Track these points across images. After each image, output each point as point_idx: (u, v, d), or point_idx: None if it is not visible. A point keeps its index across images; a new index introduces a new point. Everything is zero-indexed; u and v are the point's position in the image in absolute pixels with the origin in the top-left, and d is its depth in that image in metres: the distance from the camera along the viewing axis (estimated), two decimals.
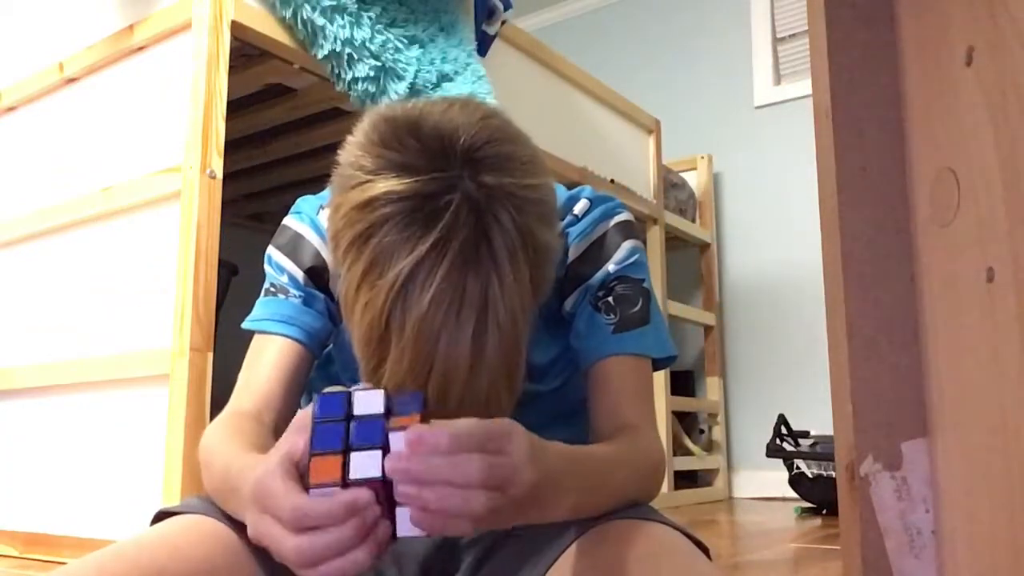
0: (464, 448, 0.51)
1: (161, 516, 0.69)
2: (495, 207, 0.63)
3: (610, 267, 0.81)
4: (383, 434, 0.52)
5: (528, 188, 0.65)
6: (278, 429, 0.77)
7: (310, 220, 0.84)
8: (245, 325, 0.82)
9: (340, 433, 0.53)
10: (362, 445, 0.52)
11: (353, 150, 0.66)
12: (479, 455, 0.51)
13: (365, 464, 0.51)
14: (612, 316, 0.79)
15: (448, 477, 0.50)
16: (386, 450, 0.52)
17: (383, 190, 0.62)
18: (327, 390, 0.56)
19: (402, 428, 0.52)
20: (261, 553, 0.64)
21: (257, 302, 0.83)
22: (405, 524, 0.51)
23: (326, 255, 0.82)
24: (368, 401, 0.55)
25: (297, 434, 0.56)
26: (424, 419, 0.54)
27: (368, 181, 0.63)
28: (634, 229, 0.85)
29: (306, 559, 0.50)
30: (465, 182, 0.62)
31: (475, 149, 0.64)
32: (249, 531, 0.56)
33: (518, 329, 0.65)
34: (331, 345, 0.86)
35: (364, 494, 0.50)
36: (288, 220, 0.85)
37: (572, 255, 0.82)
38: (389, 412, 0.54)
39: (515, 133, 0.68)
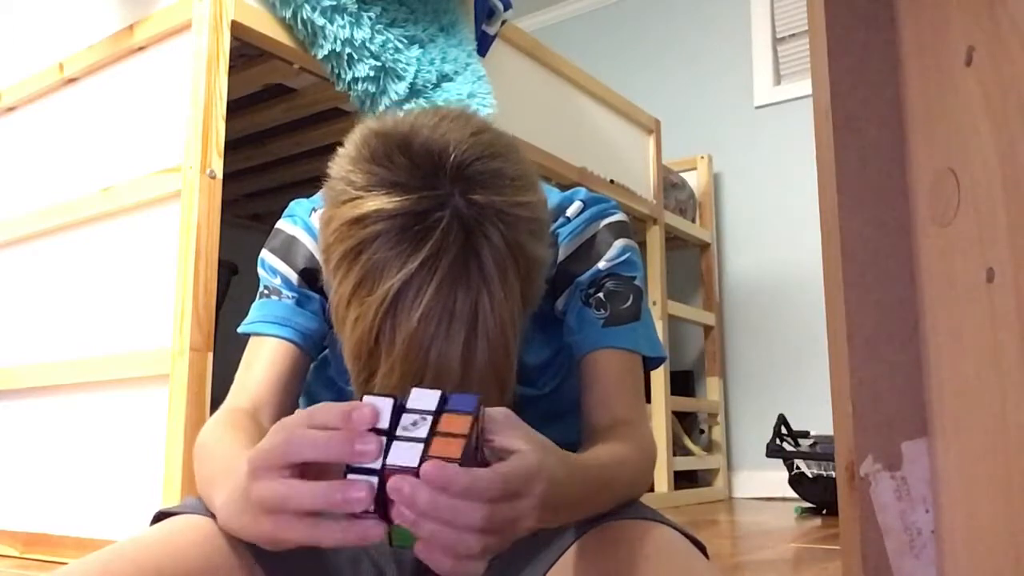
0: (475, 498, 0.48)
1: (161, 516, 0.69)
2: (485, 225, 0.63)
3: (601, 265, 0.81)
4: (429, 429, 0.51)
5: (518, 205, 0.65)
6: None
7: (303, 223, 0.84)
8: (240, 329, 0.83)
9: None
10: (405, 436, 0.50)
11: (344, 164, 0.66)
12: (484, 505, 0.49)
13: (404, 454, 0.50)
14: (602, 311, 0.80)
15: (448, 519, 0.48)
16: (428, 444, 0.50)
17: (373, 208, 0.62)
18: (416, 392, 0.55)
19: (449, 434, 0.50)
20: (259, 552, 0.64)
21: (252, 305, 0.84)
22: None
23: (320, 256, 0.82)
24: (424, 398, 0.53)
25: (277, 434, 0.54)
26: (475, 423, 0.52)
27: (359, 197, 0.63)
28: (627, 229, 0.85)
29: (285, 455, 0.50)
30: (455, 199, 0.62)
31: (465, 166, 0.64)
32: (253, 502, 0.54)
33: (508, 343, 0.65)
34: (327, 349, 0.86)
35: (362, 407, 0.50)
36: (281, 223, 0.86)
37: (562, 254, 0.82)
38: (441, 412, 0.52)
39: (506, 147, 0.68)
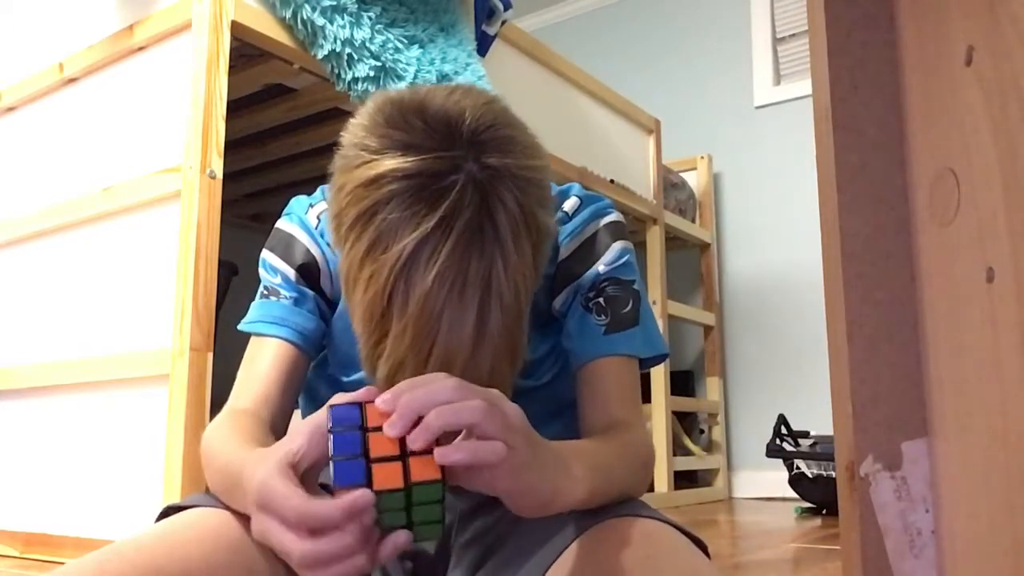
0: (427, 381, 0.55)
1: (169, 511, 0.69)
2: (499, 188, 0.63)
3: (600, 268, 0.81)
4: (362, 443, 0.53)
5: (530, 169, 0.66)
6: (275, 427, 0.78)
7: (299, 220, 0.85)
8: (240, 327, 0.84)
9: (358, 439, 0.54)
10: (342, 455, 0.53)
11: (357, 131, 0.67)
12: (448, 379, 0.55)
13: (350, 471, 0.52)
14: (603, 317, 0.80)
15: (428, 399, 0.53)
16: (367, 457, 0.53)
17: (389, 167, 0.63)
18: (336, 400, 0.57)
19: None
20: (262, 550, 0.64)
21: (252, 304, 0.84)
22: (342, 474, 0.52)
23: (316, 252, 0.83)
24: (345, 414, 0.55)
25: (296, 437, 0.56)
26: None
27: (374, 160, 0.64)
28: (624, 230, 0.85)
29: (313, 563, 0.51)
30: (470, 163, 0.63)
31: (480, 131, 0.64)
32: (253, 530, 0.56)
33: (521, 308, 0.66)
34: (325, 349, 0.87)
35: (364, 496, 0.51)
36: (279, 223, 0.87)
37: (563, 253, 0.82)
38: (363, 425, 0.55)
39: (516, 119, 0.70)
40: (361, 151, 0.65)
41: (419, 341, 0.63)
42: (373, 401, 0.55)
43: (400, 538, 0.53)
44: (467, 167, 0.63)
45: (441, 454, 0.52)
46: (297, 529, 0.52)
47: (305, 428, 0.57)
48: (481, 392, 0.55)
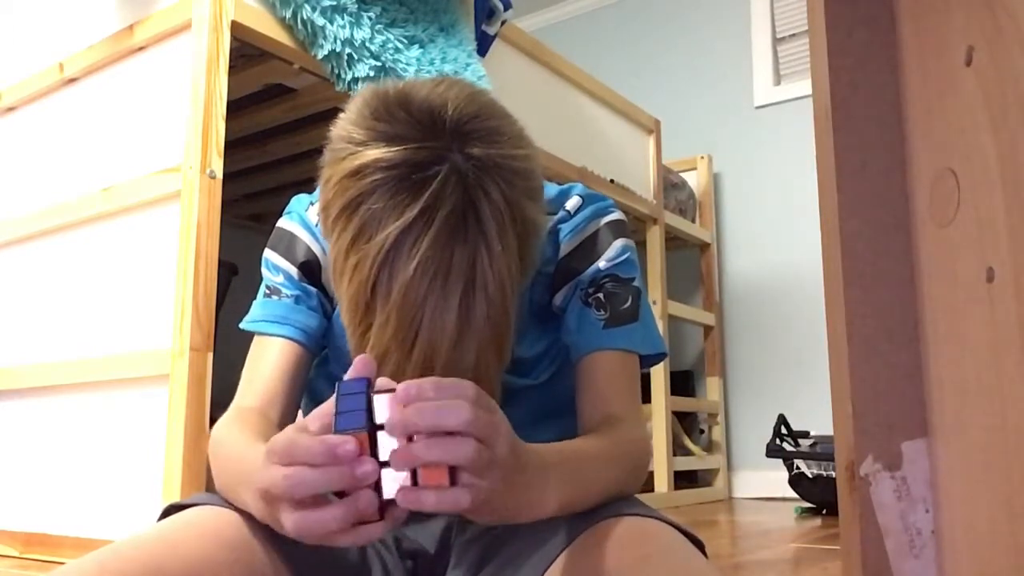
0: (450, 395, 0.51)
1: (171, 510, 0.69)
2: (483, 179, 0.64)
3: (601, 264, 0.82)
4: (366, 401, 0.52)
5: (515, 159, 0.66)
6: (282, 425, 0.78)
7: (299, 218, 0.86)
8: (242, 325, 0.84)
9: (362, 399, 0.53)
10: (346, 410, 0.52)
11: (344, 124, 0.68)
12: (465, 401, 0.51)
13: (352, 418, 0.52)
14: (603, 312, 0.80)
15: (435, 421, 0.50)
16: (370, 413, 0.52)
17: (373, 158, 0.63)
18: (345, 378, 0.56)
19: (388, 391, 0.52)
20: (264, 548, 0.64)
21: (254, 303, 0.84)
22: (392, 485, 0.51)
23: (316, 250, 0.84)
24: (354, 386, 0.54)
25: (302, 421, 0.57)
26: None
27: (358, 151, 0.64)
28: (626, 229, 0.85)
29: (287, 490, 0.51)
30: (453, 154, 0.63)
31: (464, 122, 0.65)
32: (259, 489, 0.56)
33: (506, 299, 0.65)
34: (326, 348, 0.87)
35: (349, 441, 0.50)
36: (280, 221, 0.87)
37: (564, 250, 0.82)
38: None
39: (502, 110, 0.70)
40: (347, 143, 0.66)
41: (402, 331, 0.63)
42: (375, 378, 0.55)
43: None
44: (451, 157, 0.63)
45: (406, 500, 0.50)
46: (281, 458, 0.52)
47: (311, 415, 0.57)
48: (485, 428, 0.52)
